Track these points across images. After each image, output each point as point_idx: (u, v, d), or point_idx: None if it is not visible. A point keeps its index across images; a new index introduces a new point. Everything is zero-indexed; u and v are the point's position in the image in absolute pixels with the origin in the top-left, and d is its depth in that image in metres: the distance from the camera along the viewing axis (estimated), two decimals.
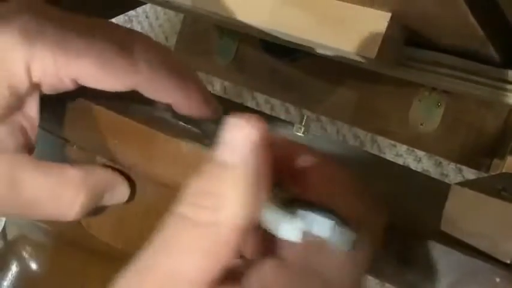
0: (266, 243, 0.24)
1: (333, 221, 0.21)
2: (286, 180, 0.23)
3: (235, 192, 0.21)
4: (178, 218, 0.22)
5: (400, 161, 0.83)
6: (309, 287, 0.21)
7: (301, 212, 0.21)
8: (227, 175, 0.21)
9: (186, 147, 0.33)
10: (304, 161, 0.24)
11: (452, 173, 0.81)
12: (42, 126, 0.36)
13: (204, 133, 0.37)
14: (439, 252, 0.27)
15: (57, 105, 0.38)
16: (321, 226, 0.21)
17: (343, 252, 0.21)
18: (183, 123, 0.38)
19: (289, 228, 0.21)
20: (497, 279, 0.26)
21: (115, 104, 0.37)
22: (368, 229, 0.23)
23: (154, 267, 0.21)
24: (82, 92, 0.36)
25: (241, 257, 0.24)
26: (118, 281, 0.22)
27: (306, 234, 0.21)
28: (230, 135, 0.21)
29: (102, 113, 0.37)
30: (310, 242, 0.21)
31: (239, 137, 0.21)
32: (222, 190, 0.21)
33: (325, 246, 0.21)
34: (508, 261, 0.26)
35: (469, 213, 0.28)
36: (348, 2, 0.37)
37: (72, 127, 0.39)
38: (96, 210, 0.36)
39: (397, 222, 0.29)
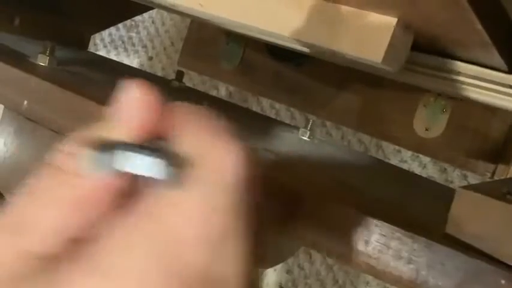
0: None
1: (152, 157, 0.20)
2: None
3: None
4: (48, 164, 0.22)
5: (404, 167, 0.83)
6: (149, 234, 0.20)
7: (120, 152, 0.21)
8: (107, 126, 0.22)
9: None
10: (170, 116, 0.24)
11: (457, 179, 0.81)
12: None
13: None
14: (444, 254, 0.28)
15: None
16: (142, 164, 0.20)
17: (179, 192, 0.20)
18: None
19: (93, 163, 0.20)
20: (502, 281, 0.26)
21: None
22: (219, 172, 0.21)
23: (14, 210, 0.21)
24: None
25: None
26: None
27: (106, 168, 0.20)
28: (123, 96, 0.22)
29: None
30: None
31: (129, 97, 0.22)
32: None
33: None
34: None
35: (474, 216, 0.28)
36: (355, 7, 0.38)
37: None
38: None
39: (403, 225, 0.29)
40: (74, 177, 0.21)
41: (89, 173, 0.21)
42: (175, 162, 0.21)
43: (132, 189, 0.22)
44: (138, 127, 0.22)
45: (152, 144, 0.22)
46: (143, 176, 0.21)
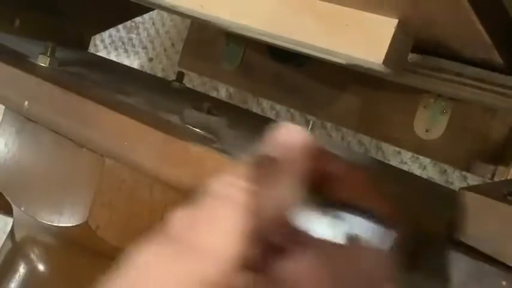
0: (292, 238, 0.23)
1: (373, 222, 0.21)
2: (316, 185, 0.23)
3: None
4: (214, 193, 0.21)
5: (404, 169, 0.83)
6: (352, 283, 0.21)
7: (341, 214, 0.21)
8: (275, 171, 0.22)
9: (193, 148, 0.33)
10: (331, 167, 0.24)
11: (457, 180, 0.81)
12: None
13: (217, 137, 0.37)
14: (446, 256, 0.28)
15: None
16: (363, 227, 0.21)
17: (383, 250, 0.21)
18: (191, 127, 0.39)
19: (332, 230, 0.21)
20: (503, 282, 0.26)
21: (124, 106, 0.37)
22: (399, 228, 0.23)
23: (186, 233, 0.20)
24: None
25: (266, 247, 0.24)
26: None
27: (348, 235, 0.21)
28: (279, 134, 0.22)
29: (111, 116, 0.37)
30: (351, 242, 0.22)
31: (289, 137, 0.22)
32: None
33: (365, 245, 0.21)
34: None
35: (475, 217, 0.28)
36: (356, 8, 0.38)
37: (82, 128, 0.39)
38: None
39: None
40: (252, 210, 0.21)
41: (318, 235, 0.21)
42: (386, 225, 0.22)
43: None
44: (302, 177, 0.22)
45: (355, 205, 0.23)
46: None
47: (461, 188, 0.29)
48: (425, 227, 0.31)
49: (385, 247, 0.21)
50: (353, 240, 0.21)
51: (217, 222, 0.21)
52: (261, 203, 0.21)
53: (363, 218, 0.21)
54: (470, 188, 0.29)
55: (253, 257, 0.21)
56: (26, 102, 0.42)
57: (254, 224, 0.21)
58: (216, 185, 0.21)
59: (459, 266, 0.27)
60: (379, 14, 0.37)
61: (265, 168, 0.22)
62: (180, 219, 0.21)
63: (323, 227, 0.21)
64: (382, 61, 0.36)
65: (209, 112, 0.41)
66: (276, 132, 0.23)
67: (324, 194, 0.23)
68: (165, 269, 0.20)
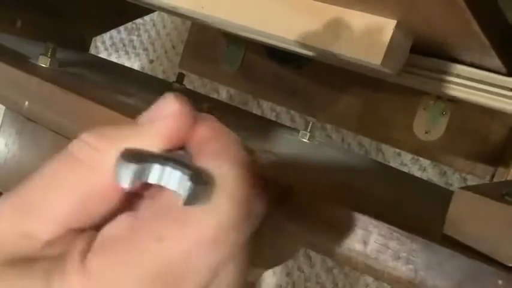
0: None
1: (179, 172, 0.20)
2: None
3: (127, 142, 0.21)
4: (67, 151, 0.22)
5: (404, 170, 0.83)
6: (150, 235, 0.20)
7: (151, 164, 0.21)
8: (139, 130, 0.22)
9: None
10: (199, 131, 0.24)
11: (457, 182, 0.82)
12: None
13: None
14: (443, 255, 0.28)
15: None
16: (168, 177, 0.21)
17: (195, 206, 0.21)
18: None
19: (123, 173, 0.20)
20: (500, 282, 0.26)
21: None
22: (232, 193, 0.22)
23: (25, 190, 0.21)
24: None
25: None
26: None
27: (136, 179, 0.21)
28: (160, 104, 0.23)
29: (111, 116, 0.38)
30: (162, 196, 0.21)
31: (166, 107, 0.23)
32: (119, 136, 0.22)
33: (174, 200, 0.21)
34: (510, 264, 0.26)
35: (472, 217, 0.28)
36: (355, 9, 0.38)
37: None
38: None
39: (402, 226, 0.29)
40: (90, 170, 0.21)
41: (115, 180, 0.21)
42: (199, 179, 0.21)
43: (142, 189, 0.22)
44: (169, 137, 0.22)
45: (175, 155, 0.22)
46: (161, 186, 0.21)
47: (459, 188, 0.29)
48: (424, 228, 0.31)
49: (193, 202, 0.20)
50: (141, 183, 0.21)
51: (53, 179, 0.21)
52: (97, 163, 0.21)
53: (172, 168, 0.21)
54: (468, 188, 0.29)
55: (80, 219, 0.21)
56: (27, 103, 0.42)
57: (86, 185, 0.21)
58: (72, 144, 0.22)
59: (456, 265, 0.27)
60: (378, 15, 0.37)
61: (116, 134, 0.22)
62: (36, 174, 0.22)
63: (119, 173, 0.21)
64: (380, 62, 0.36)
65: (209, 113, 0.41)
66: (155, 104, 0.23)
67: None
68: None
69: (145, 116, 0.23)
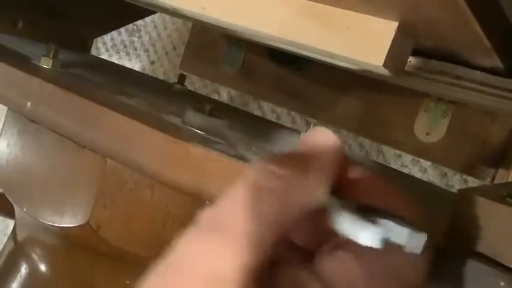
0: (321, 235, 0.24)
1: (408, 229, 0.22)
2: (339, 191, 0.24)
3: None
4: (248, 179, 0.21)
5: (405, 172, 0.83)
6: (389, 286, 0.22)
7: (379, 220, 0.22)
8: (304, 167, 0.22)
9: (194, 149, 0.33)
10: (353, 173, 0.25)
11: (458, 183, 0.81)
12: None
13: (223, 139, 0.37)
14: (444, 257, 0.28)
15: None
16: (399, 233, 0.22)
17: (417, 255, 0.22)
18: (192, 128, 0.39)
19: (370, 236, 0.21)
20: (502, 283, 0.26)
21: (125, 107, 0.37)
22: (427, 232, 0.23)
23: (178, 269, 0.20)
24: None
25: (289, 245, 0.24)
26: (143, 282, 0.21)
27: (384, 241, 0.22)
28: (312, 137, 0.23)
29: (112, 117, 0.38)
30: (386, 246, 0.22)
31: (321, 140, 0.23)
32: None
33: (400, 250, 0.22)
34: None
35: (474, 218, 0.28)
36: (356, 11, 0.38)
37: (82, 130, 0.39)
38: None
39: None
40: (283, 198, 0.21)
41: (344, 233, 0.21)
42: (419, 231, 0.22)
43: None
44: (329, 179, 0.22)
45: (390, 212, 0.23)
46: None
47: (460, 190, 0.29)
48: (424, 230, 0.31)
49: (418, 251, 0.22)
50: (387, 244, 0.21)
51: (244, 202, 0.21)
52: (290, 193, 0.21)
53: (395, 222, 0.22)
54: (469, 190, 0.29)
55: (272, 245, 0.21)
56: (29, 103, 0.42)
57: (284, 213, 0.21)
58: (253, 172, 0.22)
59: (457, 266, 0.27)
60: (380, 16, 0.37)
61: (295, 162, 0.22)
62: (209, 212, 0.21)
63: (357, 229, 0.21)
64: (382, 64, 0.37)
65: (210, 114, 0.41)
66: (308, 134, 0.23)
67: (348, 198, 0.23)
68: (199, 252, 0.20)
69: (304, 151, 0.23)
